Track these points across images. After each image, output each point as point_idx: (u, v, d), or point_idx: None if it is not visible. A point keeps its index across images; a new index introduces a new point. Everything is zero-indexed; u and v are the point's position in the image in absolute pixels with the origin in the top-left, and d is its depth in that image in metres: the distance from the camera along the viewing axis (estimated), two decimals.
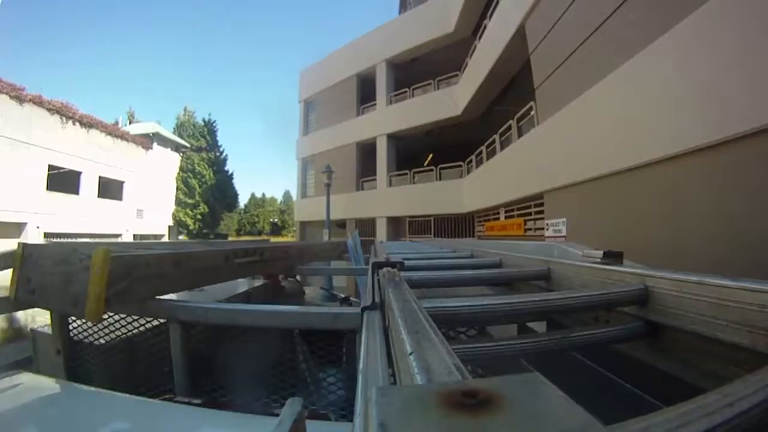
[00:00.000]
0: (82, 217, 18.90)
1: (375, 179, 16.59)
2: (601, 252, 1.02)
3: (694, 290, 0.71)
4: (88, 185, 19.63)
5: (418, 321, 0.61)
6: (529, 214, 8.70)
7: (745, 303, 0.62)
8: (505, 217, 10.34)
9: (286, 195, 67.63)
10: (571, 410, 0.28)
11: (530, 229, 8.72)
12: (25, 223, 16.34)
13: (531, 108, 8.39)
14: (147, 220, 24.59)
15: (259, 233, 65.16)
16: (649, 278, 0.81)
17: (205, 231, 31.73)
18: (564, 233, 6.41)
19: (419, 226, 15.12)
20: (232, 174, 34.22)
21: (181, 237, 30.78)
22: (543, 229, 7.44)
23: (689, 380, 0.74)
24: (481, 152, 12.01)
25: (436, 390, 0.31)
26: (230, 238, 48.52)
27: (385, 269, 1.01)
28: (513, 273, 1.34)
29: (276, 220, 65.60)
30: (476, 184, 12.28)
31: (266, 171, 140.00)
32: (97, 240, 19.95)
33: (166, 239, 27.43)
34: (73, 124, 18.78)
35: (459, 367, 0.43)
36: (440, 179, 14.48)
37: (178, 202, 29.07)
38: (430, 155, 19.13)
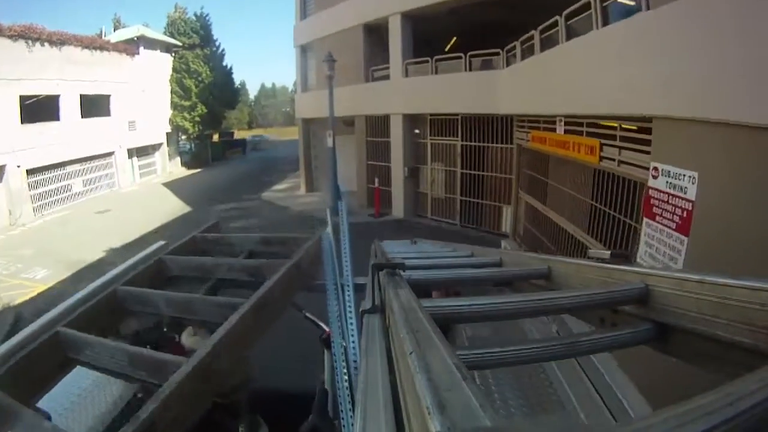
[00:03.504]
0: (67, 143, 19.12)
1: (388, 68, 15.41)
2: (608, 252, 1.08)
3: (695, 289, 0.75)
4: (69, 108, 19.63)
5: (418, 320, 0.68)
6: (613, 138, 6.58)
7: (745, 301, 0.66)
8: (566, 132, 8.32)
9: (296, 88, 67.72)
10: None
11: (610, 159, 6.62)
12: (3, 165, 16.50)
13: None
14: (141, 131, 24.94)
15: (270, 125, 69.08)
16: (650, 277, 0.87)
17: (206, 133, 32.61)
18: (691, 197, 4.47)
19: (443, 126, 14.14)
20: (231, 68, 34.28)
21: (182, 143, 31.70)
22: (643, 168, 5.54)
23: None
24: (531, 38, 9.84)
25: None
26: (238, 135, 49.79)
27: (385, 270, 1.08)
28: (513, 272, 1.41)
29: (288, 109, 66.48)
30: (521, 81, 10.46)
31: (276, 59, 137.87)
32: (87, 164, 20.44)
33: (165, 147, 28.29)
34: (42, 45, 18.30)
35: (459, 367, 0.49)
36: (470, 69, 13.11)
37: (175, 106, 29.27)
38: (454, 39, 17.76)
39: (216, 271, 2.58)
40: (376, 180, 15.84)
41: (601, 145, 6.90)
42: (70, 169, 19.68)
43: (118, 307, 2.19)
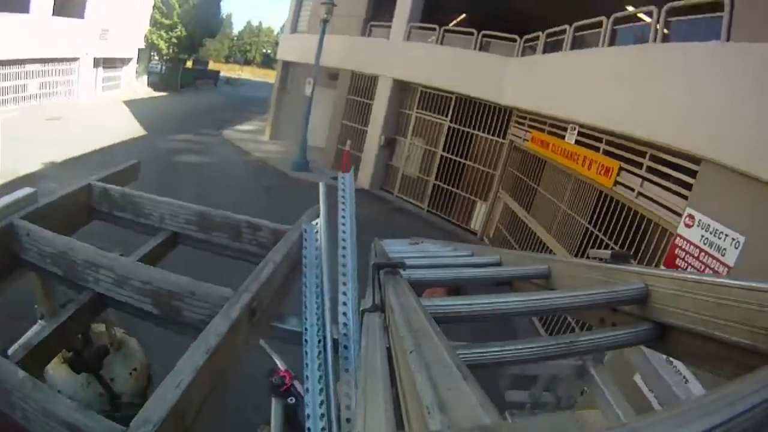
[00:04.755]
0: (32, 39, 17.99)
1: (389, 26, 14.79)
2: (609, 252, 1.12)
3: (694, 289, 0.79)
4: (41, 2, 18.35)
5: (418, 320, 0.71)
6: (638, 165, 6.07)
7: (744, 302, 0.69)
8: (577, 142, 7.83)
9: (285, 27, 70.06)
10: None
11: (628, 188, 6.20)
12: None
13: None
14: (113, 41, 23.89)
15: (248, 63, 71.30)
16: (650, 277, 0.92)
17: (181, 57, 32.20)
18: (729, 261, 4.17)
19: (434, 102, 13.61)
20: None
21: (153, 63, 30.94)
22: (670, 211, 5.26)
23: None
24: (562, 32, 9.18)
25: None
26: (212, 66, 49.58)
27: (385, 269, 1.11)
28: (513, 272, 1.45)
29: (269, 51, 68.48)
30: (537, 75, 9.89)
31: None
32: (48, 66, 19.49)
33: (134, 64, 27.49)
34: None
35: (459, 366, 0.51)
36: (480, 49, 12.62)
37: (153, 23, 28.55)
38: (462, 16, 17.40)
39: (92, 278, 1.52)
40: (348, 142, 15.28)
41: (620, 169, 6.42)
42: (29, 68, 18.62)
43: None
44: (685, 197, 4.99)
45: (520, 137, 10.70)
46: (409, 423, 0.51)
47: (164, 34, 28.90)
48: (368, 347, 0.83)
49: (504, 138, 11.85)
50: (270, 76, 28.18)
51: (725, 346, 0.73)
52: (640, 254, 5.74)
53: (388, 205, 14.25)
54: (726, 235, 4.21)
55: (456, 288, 1.79)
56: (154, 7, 28.28)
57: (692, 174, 4.94)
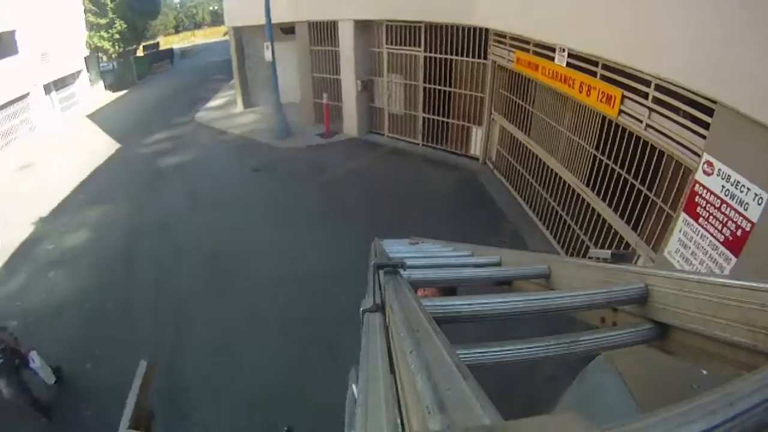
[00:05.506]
0: None
1: None
2: (609, 252, 1.14)
3: (695, 289, 0.81)
4: None
5: (418, 320, 0.72)
6: (643, 95, 5.52)
7: (745, 301, 0.71)
8: (569, 65, 7.27)
9: None
10: None
11: (635, 119, 5.70)
12: None
13: None
14: (56, 61, 23.20)
15: (198, 26, 70.64)
16: (650, 277, 0.93)
17: (129, 49, 31.79)
18: (752, 217, 3.93)
19: (403, 34, 13.25)
20: None
21: (104, 63, 30.14)
22: (685, 148, 4.88)
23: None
24: None
25: None
26: (165, 43, 48.85)
27: (385, 269, 1.13)
28: (513, 272, 1.47)
29: (216, 8, 66.90)
30: None
31: None
32: (2, 113, 18.92)
33: (85, 74, 26.82)
34: None
35: (459, 366, 0.51)
36: None
37: (90, 27, 27.88)
38: None
39: None
40: (325, 95, 15.19)
41: (623, 97, 5.90)
42: None
43: None
44: (701, 135, 4.58)
45: (504, 57, 10.36)
46: (409, 423, 0.52)
47: (104, 34, 28.33)
48: (368, 347, 0.85)
49: (485, 59, 11.58)
50: (222, 33, 27.59)
51: (726, 346, 0.75)
52: (656, 186, 5.51)
53: (381, 148, 14.26)
54: (748, 189, 3.98)
55: (450, 288, 1.83)
56: (86, 11, 27.51)
57: (707, 111, 4.45)
